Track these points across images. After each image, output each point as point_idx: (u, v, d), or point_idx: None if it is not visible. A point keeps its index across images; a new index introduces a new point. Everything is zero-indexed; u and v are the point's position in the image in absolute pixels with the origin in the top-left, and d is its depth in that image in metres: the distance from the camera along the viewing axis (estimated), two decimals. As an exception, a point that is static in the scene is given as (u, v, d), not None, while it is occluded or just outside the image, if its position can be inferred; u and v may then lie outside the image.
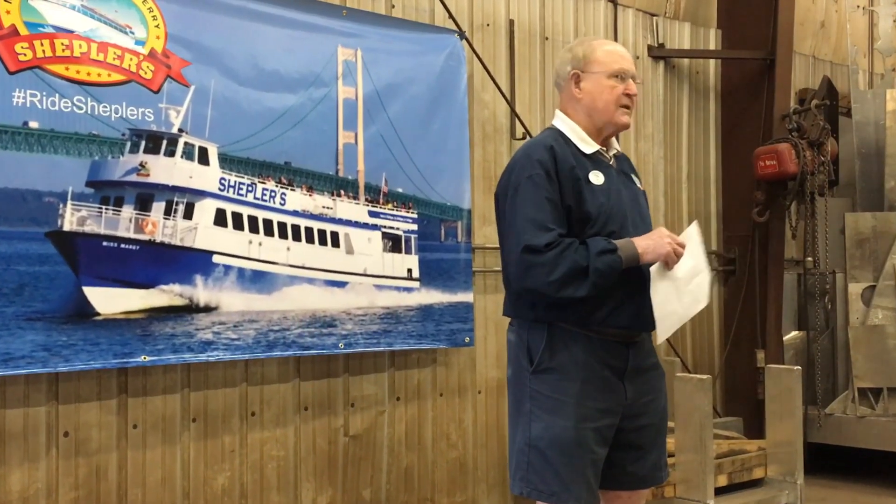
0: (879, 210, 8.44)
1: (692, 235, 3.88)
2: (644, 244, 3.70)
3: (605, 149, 3.92)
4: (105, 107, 5.09)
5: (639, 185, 4.05)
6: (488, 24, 7.08)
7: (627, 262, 3.66)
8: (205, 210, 5.44)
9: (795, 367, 6.91)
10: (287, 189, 5.78)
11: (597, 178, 3.79)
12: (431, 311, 6.41)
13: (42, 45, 4.91)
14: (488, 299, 6.79)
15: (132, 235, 5.15)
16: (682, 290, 3.79)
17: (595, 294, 3.66)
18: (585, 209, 3.72)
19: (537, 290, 3.72)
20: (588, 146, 3.87)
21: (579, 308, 3.70)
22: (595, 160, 3.85)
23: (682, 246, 3.76)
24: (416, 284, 6.37)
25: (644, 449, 3.91)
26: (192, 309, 5.36)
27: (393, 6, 6.53)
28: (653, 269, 3.72)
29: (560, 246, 3.64)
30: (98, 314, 5.02)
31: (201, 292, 5.39)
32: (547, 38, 7.45)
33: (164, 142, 5.29)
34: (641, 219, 3.92)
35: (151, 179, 5.24)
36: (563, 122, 3.94)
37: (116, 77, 5.14)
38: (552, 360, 3.77)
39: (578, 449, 3.71)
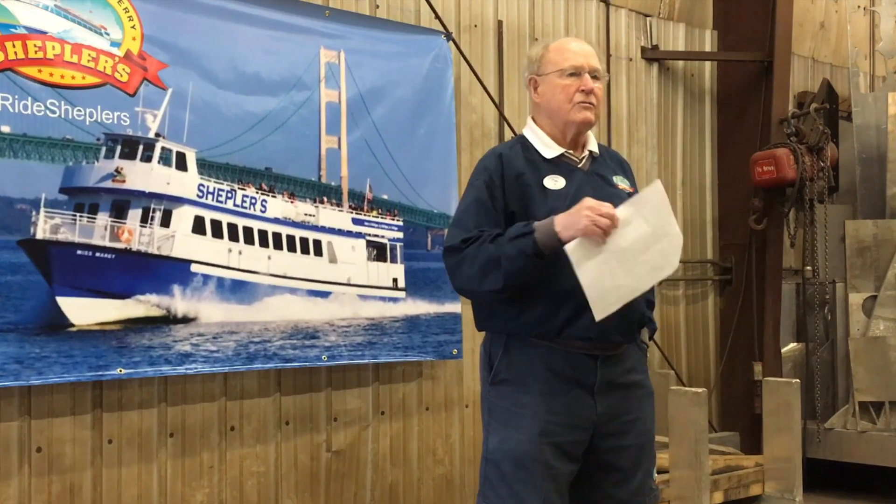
0: (881, 217, 8.45)
1: (649, 199, 3.67)
2: (562, 220, 3.55)
3: (573, 151, 3.93)
4: (79, 110, 5.13)
5: (625, 186, 4.02)
6: (476, 25, 7.14)
7: (545, 243, 3.55)
8: (183, 217, 5.48)
9: (794, 380, 6.94)
10: (268, 196, 5.82)
11: (555, 182, 3.80)
12: (418, 322, 6.45)
13: (14, 46, 4.94)
14: (476, 310, 6.81)
15: (107, 244, 5.19)
16: (633, 261, 3.58)
17: (516, 282, 3.62)
18: (532, 215, 3.73)
19: (464, 289, 3.85)
20: (550, 151, 3.89)
21: (533, 317, 3.72)
22: (557, 164, 3.87)
23: (611, 217, 3.52)
24: (401, 294, 6.41)
25: (625, 471, 3.90)
26: (169, 320, 5.40)
27: (377, 6, 6.59)
28: (571, 246, 3.53)
29: (479, 239, 3.67)
30: (72, 325, 5.06)
31: (179, 303, 5.43)
32: (537, 40, 7.49)
33: (141, 147, 5.33)
34: None
35: (127, 186, 5.28)
36: (529, 129, 4.00)
37: (91, 80, 5.18)
38: (509, 371, 3.81)
39: (534, 463, 3.72)
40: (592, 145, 4.00)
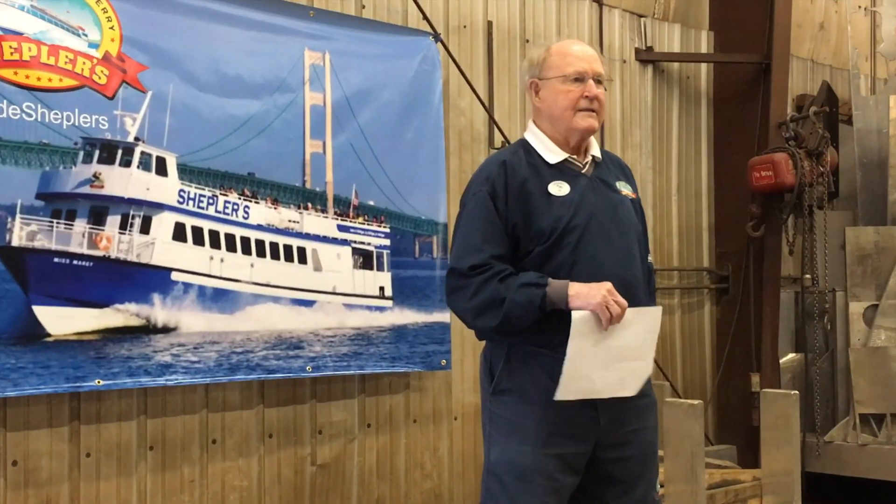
0: (882, 224, 8.47)
1: (648, 318, 3.84)
2: (577, 288, 3.67)
3: (577, 157, 3.98)
4: (56, 114, 5.16)
5: (627, 192, 4.08)
6: (465, 26, 7.18)
7: (554, 301, 3.67)
8: (163, 224, 5.51)
9: (793, 392, 6.95)
10: (250, 202, 5.86)
11: (559, 188, 3.86)
12: (405, 331, 6.49)
13: (-11, 48, 4.99)
14: (465, 319, 6.80)
15: (85, 251, 5.22)
16: (610, 364, 3.73)
17: (510, 327, 3.73)
18: (537, 224, 3.80)
19: (458, 315, 3.94)
20: (554, 156, 3.95)
21: (535, 331, 3.75)
22: (561, 170, 3.93)
23: (622, 308, 3.66)
24: (388, 303, 6.45)
25: (627, 483, 3.94)
26: (149, 329, 5.43)
27: (363, 7, 6.63)
28: (577, 316, 3.65)
29: (488, 272, 3.75)
30: (49, 335, 5.09)
31: (159, 312, 5.46)
32: (528, 41, 7.55)
33: (120, 151, 5.36)
34: (619, 229, 3.93)
35: (106, 191, 5.32)
36: (531, 133, 4.05)
37: (68, 82, 5.22)
38: (511, 382, 3.86)
39: (536, 475, 3.77)
40: (595, 150, 4.05)
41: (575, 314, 3.65)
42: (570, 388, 3.70)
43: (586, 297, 3.64)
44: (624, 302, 3.67)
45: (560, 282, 3.69)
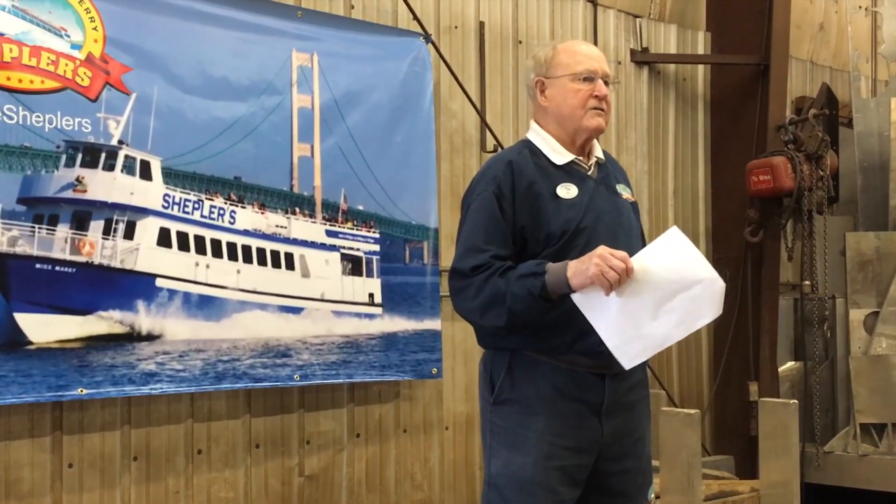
0: (883, 229, 8.49)
1: (666, 246, 3.67)
2: (574, 266, 3.58)
3: (582, 158, 3.97)
4: (38, 116, 5.18)
5: (628, 195, 4.09)
6: (456, 27, 7.21)
7: (554, 287, 3.60)
8: (147, 229, 5.53)
9: (792, 401, 6.97)
10: (237, 206, 5.87)
11: (567, 191, 3.85)
12: (395, 339, 6.51)
13: (-31, 49, 5.00)
14: (457, 327, 6.85)
15: (68, 257, 5.24)
16: (658, 310, 3.59)
17: (519, 322, 3.69)
18: (546, 227, 3.78)
19: (464, 317, 3.91)
20: (560, 157, 3.93)
21: (540, 335, 3.76)
22: (568, 171, 3.91)
23: (622, 270, 3.51)
24: (378, 310, 6.47)
25: (629, 496, 3.96)
26: (133, 337, 5.45)
27: (352, 7, 6.65)
28: (578, 296, 3.59)
29: (490, 269, 3.71)
30: (31, 343, 5.10)
31: (143, 319, 5.48)
32: (521, 42, 7.58)
33: (103, 155, 5.38)
34: (625, 233, 3.93)
35: (89, 196, 5.33)
36: (535, 133, 4.03)
37: (50, 84, 5.23)
38: (513, 392, 3.84)
39: (538, 488, 3.76)
40: (598, 152, 4.05)
41: (574, 297, 3.60)
42: (630, 354, 3.63)
43: (583, 272, 3.54)
44: (620, 264, 3.52)
45: (558, 265, 3.62)
